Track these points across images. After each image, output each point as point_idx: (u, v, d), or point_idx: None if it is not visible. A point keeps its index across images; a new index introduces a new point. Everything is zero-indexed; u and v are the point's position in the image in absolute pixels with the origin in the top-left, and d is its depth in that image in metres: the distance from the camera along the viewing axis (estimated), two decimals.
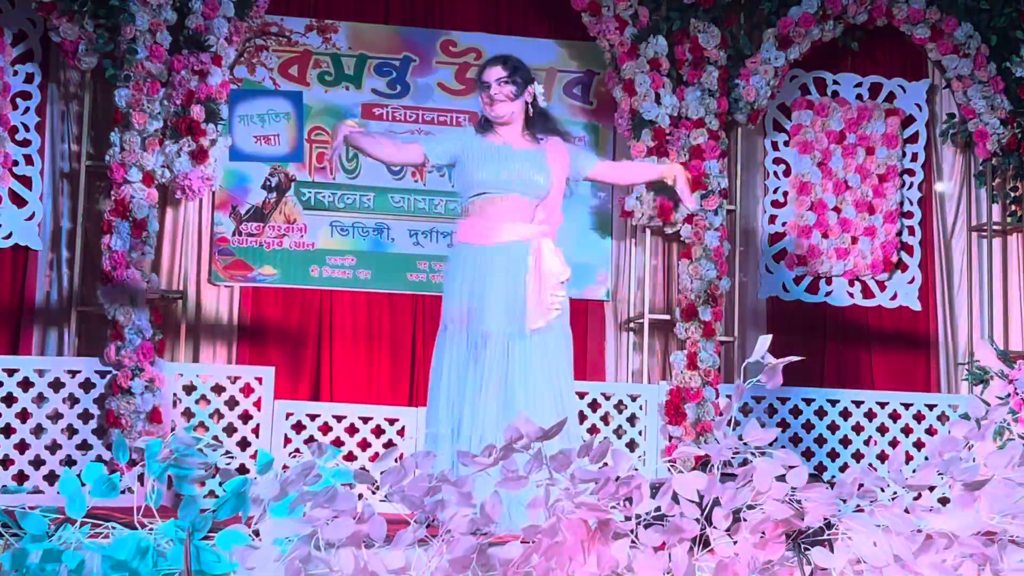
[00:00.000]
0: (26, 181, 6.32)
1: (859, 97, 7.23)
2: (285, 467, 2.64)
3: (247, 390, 6.20)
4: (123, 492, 2.75)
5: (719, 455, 2.50)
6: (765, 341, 2.56)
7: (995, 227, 7.16)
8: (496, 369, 4.16)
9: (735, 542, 2.42)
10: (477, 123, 4.48)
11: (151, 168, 6.04)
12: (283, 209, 6.68)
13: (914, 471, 2.55)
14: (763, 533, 2.42)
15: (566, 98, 7.01)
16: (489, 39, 6.93)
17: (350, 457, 6.24)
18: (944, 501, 2.56)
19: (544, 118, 4.47)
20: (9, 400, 5.89)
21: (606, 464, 2.50)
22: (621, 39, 6.58)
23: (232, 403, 6.20)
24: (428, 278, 6.74)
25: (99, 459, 5.92)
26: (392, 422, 6.31)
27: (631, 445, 6.47)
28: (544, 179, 4.32)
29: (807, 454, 6.70)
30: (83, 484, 2.67)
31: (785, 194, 7.14)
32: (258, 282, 6.63)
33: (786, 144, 7.16)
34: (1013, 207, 7.10)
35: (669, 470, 2.50)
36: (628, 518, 2.46)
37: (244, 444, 6.18)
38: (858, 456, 6.74)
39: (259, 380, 6.19)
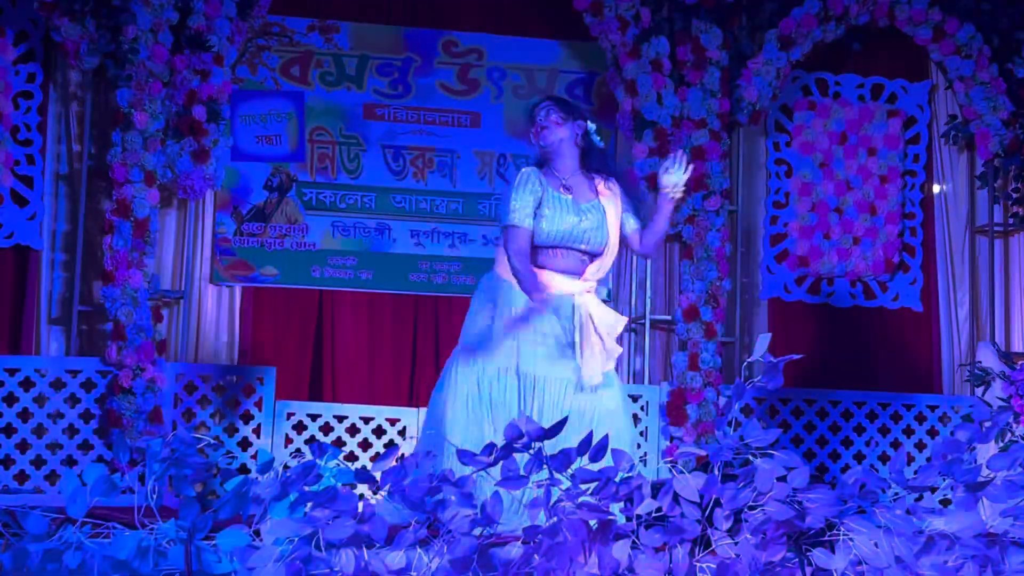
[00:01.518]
0: (28, 181, 6.32)
1: (861, 98, 7.22)
2: (286, 467, 2.64)
3: (248, 390, 6.20)
4: (124, 492, 2.74)
5: (720, 456, 2.50)
6: (765, 339, 2.56)
7: (997, 228, 7.15)
8: (550, 415, 4.06)
9: (736, 543, 2.42)
10: (535, 160, 4.37)
11: (152, 168, 6.04)
12: (284, 209, 6.68)
13: (916, 473, 2.55)
14: (764, 534, 2.42)
15: (568, 98, 7.00)
16: (491, 39, 6.93)
17: (351, 457, 6.24)
18: (946, 503, 2.56)
19: (601, 155, 4.37)
20: (10, 400, 5.89)
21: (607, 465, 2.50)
22: (623, 39, 6.58)
23: (233, 403, 6.20)
24: (429, 279, 6.73)
25: (100, 459, 5.93)
26: (393, 422, 6.32)
27: None
28: (603, 238, 4.25)
29: (808, 455, 6.69)
30: (84, 484, 2.66)
31: (787, 195, 7.13)
32: (259, 282, 6.63)
33: (788, 145, 7.16)
34: (1015, 208, 7.09)
35: (670, 471, 2.50)
36: (629, 519, 2.46)
37: (245, 444, 6.18)
38: (860, 457, 6.73)
39: (260, 380, 6.19)
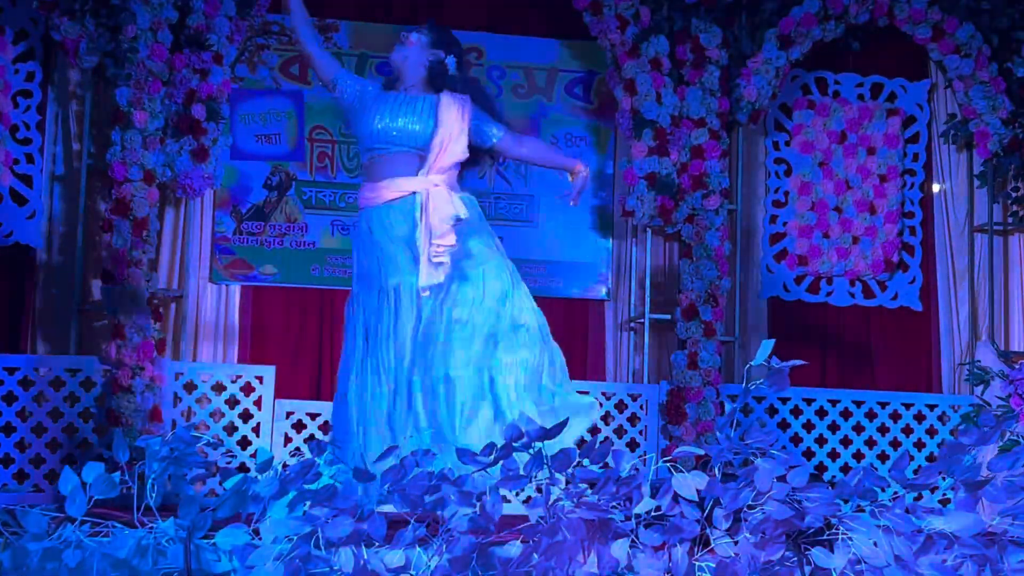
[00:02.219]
0: (27, 179, 6.32)
1: (860, 97, 7.22)
2: (285, 466, 2.64)
3: (247, 389, 6.20)
4: (123, 491, 2.74)
5: (720, 455, 2.50)
6: (768, 345, 2.56)
7: (996, 227, 7.15)
8: (408, 321, 4.17)
9: (735, 542, 2.42)
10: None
11: (152, 167, 6.04)
12: (284, 208, 6.68)
13: (915, 472, 2.55)
14: (763, 533, 2.42)
15: (567, 97, 7.00)
16: (490, 38, 6.93)
17: None
18: (945, 502, 2.56)
19: (455, 81, 4.38)
20: (10, 398, 5.89)
21: (606, 464, 2.50)
22: (622, 39, 6.58)
23: (232, 402, 6.20)
24: None
25: (99, 458, 5.92)
26: None
27: (631, 445, 6.47)
28: (423, 128, 4.27)
29: (808, 454, 6.70)
30: (83, 483, 2.66)
31: (786, 194, 7.14)
32: (259, 281, 6.63)
33: (787, 144, 7.16)
34: (1014, 207, 7.09)
35: (669, 470, 2.50)
36: (628, 518, 2.46)
37: (244, 443, 6.18)
38: (859, 456, 6.73)
39: (259, 379, 6.19)
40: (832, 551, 2.43)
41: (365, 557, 2.36)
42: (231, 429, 6.18)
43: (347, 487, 2.45)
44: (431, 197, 4.17)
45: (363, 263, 4.32)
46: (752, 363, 2.64)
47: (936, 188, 7.29)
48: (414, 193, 4.21)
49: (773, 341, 2.61)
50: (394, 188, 4.23)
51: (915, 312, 7.19)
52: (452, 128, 4.24)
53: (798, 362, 2.60)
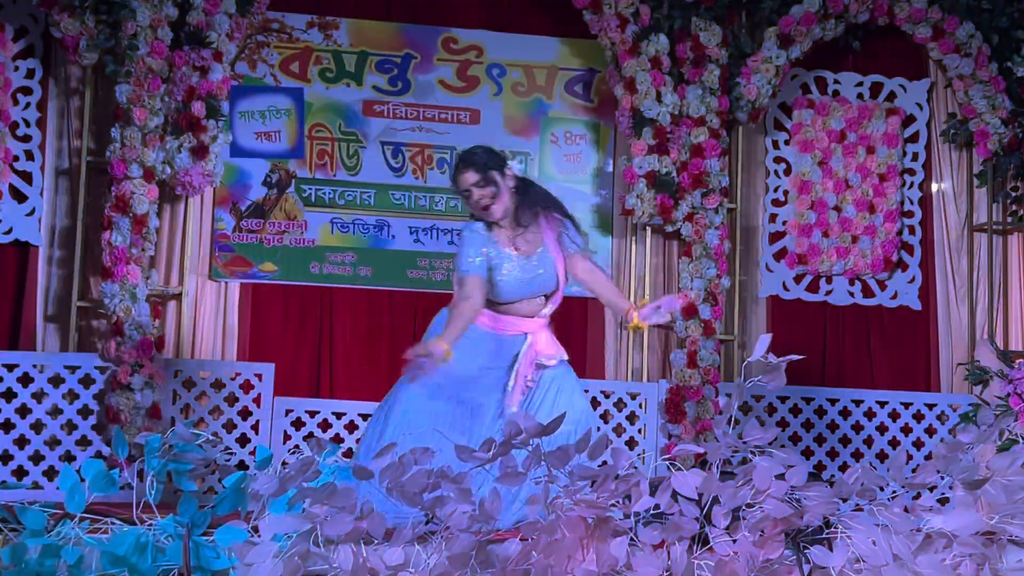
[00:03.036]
0: (26, 176, 6.32)
1: (860, 96, 7.22)
2: (284, 463, 2.64)
3: (247, 386, 6.21)
4: (122, 488, 2.74)
5: (718, 453, 2.50)
6: (765, 340, 2.56)
7: (995, 227, 7.16)
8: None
9: (734, 540, 2.42)
10: (475, 217, 4.42)
11: (152, 164, 6.04)
12: (283, 206, 6.68)
13: (913, 470, 2.55)
14: (762, 532, 2.42)
15: (567, 96, 7.00)
16: (490, 36, 6.93)
17: (349, 454, 6.24)
18: (944, 501, 2.56)
19: (527, 193, 4.40)
20: (9, 395, 5.89)
21: (605, 462, 2.50)
22: (622, 37, 6.58)
23: (232, 399, 6.20)
24: (428, 275, 6.74)
25: (98, 455, 5.92)
26: None
27: (631, 443, 6.47)
28: (554, 281, 4.39)
29: (807, 453, 6.70)
30: (82, 479, 2.67)
31: (786, 193, 7.13)
32: (258, 279, 6.63)
33: (787, 143, 7.16)
34: (1014, 207, 7.10)
35: (669, 468, 2.50)
36: (627, 516, 2.46)
37: (244, 440, 6.18)
38: (858, 455, 6.74)
39: (259, 376, 6.19)
40: (831, 550, 2.43)
41: (364, 555, 2.36)
42: (230, 426, 6.18)
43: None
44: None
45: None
46: (749, 359, 2.64)
47: (936, 187, 7.29)
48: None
49: (770, 336, 2.60)
50: None
51: (914, 311, 7.20)
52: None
53: (794, 357, 2.60)
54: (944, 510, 2.48)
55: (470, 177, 4.29)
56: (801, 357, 2.72)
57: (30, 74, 6.36)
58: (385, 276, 6.73)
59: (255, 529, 2.53)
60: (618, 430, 6.50)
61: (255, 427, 6.18)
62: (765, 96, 6.74)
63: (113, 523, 2.69)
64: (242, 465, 6.06)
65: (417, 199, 6.79)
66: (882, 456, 6.68)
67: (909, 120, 7.28)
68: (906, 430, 6.78)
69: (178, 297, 6.42)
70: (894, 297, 7.18)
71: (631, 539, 2.43)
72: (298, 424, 6.24)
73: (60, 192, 6.41)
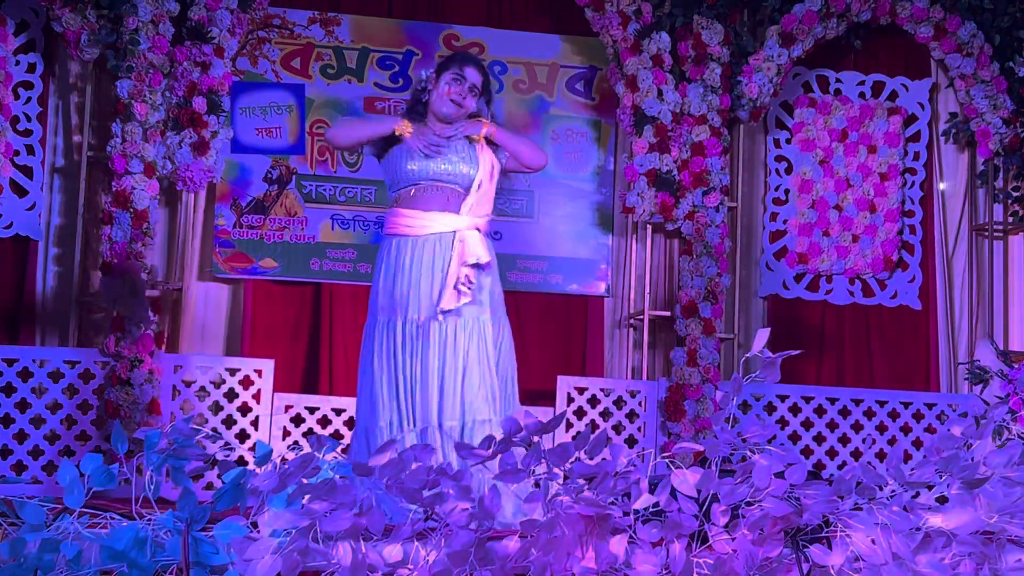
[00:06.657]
0: (27, 171, 6.32)
1: (862, 95, 7.22)
2: (284, 460, 2.64)
3: (246, 382, 6.21)
4: (121, 483, 2.74)
5: (718, 451, 2.50)
6: (764, 334, 2.56)
7: (996, 227, 7.15)
8: (435, 355, 4.17)
9: (733, 539, 2.42)
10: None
11: (152, 159, 6.04)
12: (284, 202, 6.68)
13: (913, 470, 2.55)
14: (761, 530, 2.42)
15: (568, 93, 7.00)
16: (492, 33, 6.93)
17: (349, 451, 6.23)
18: (943, 500, 2.55)
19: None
20: (8, 390, 5.89)
21: (604, 459, 2.50)
22: (624, 35, 6.58)
23: (231, 395, 6.20)
24: None
25: (98, 449, 5.92)
26: None
27: (630, 441, 6.47)
28: (473, 171, 4.33)
29: (806, 452, 6.70)
30: (81, 474, 2.66)
31: (787, 192, 7.13)
32: (258, 275, 6.63)
33: (788, 142, 7.16)
34: (1015, 207, 7.09)
35: (668, 466, 2.50)
36: (626, 513, 2.46)
37: (243, 436, 6.18)
38: (857, 454, 6.73)
39: (258, 372, 6.19)
40: (830, 548, 2.43)
41: (363, 551, 2.36)
42: (230, 422, 6.18)
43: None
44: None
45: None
46: (747, 355, 2.65)
47: (942, 187, 7.28)
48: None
49: (768, 330, 2.60)
50: None
51: (914, 311, 7.19)
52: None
53: (791, 352, 2.60)
54: (943, 509, 2.48)
55: (474, 76, 4.40)
56: (797, 353, 2.71)
57: (31, 68, 6.36)
58: None
59: (254, 525, 2.53)
60: (618, 428, 6.50)
61: (255, 423, 6.19)
62: (766, 95, 6.74)
63: (112, 518, 2.69)
64: (241, 461, 6.06)
65: None
66: (881, 455, 6.68)
67: (911, 120, 7.27)
68: (906, 430, 6.77)
69: (178, 292, 6.42)
70: (894, 296, 7.18)
71: (630, 537, 2.43)
72: (298, 420, 6.24)
73: (61, 187, 6.41)
